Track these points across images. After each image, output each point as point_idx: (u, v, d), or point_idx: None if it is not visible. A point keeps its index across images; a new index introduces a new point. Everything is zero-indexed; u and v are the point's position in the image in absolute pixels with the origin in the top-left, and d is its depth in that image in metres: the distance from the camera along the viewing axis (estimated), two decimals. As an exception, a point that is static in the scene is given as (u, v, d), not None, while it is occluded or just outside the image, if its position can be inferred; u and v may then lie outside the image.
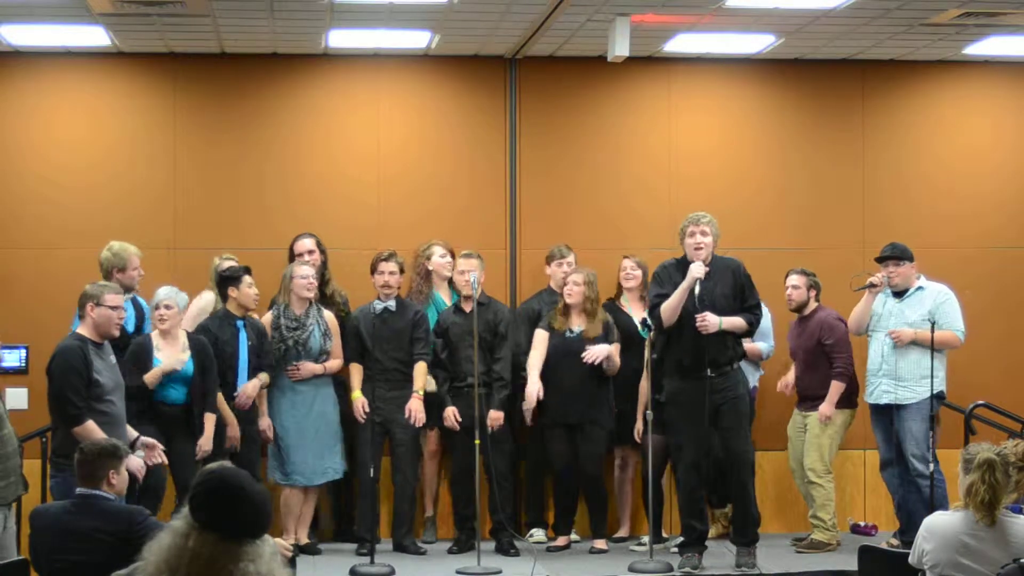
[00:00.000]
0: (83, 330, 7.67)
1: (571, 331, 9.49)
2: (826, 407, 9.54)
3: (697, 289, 8.62)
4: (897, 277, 9.40)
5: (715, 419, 8.72)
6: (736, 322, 8.72)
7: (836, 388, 9.55)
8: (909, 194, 10.85)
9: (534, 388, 9.40)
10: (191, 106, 10.37)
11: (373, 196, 10.46)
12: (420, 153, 10.57)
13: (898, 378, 9.25)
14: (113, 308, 7.65)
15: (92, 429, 7.35)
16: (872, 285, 9.47)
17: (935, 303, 9.28)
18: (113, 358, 7.82)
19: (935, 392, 9.19)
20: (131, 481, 7.29)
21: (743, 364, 9.15)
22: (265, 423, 9.32)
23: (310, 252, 9.75)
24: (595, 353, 9.34)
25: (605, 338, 9.46)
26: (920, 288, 9.40)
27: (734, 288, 8.77)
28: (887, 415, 9.36)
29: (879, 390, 9.38)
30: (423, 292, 9.94)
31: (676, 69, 10.67)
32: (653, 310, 8.78)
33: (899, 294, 9.41)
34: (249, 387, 9.04)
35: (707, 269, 8.65)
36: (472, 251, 9.72)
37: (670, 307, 8.64)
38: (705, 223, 8.75)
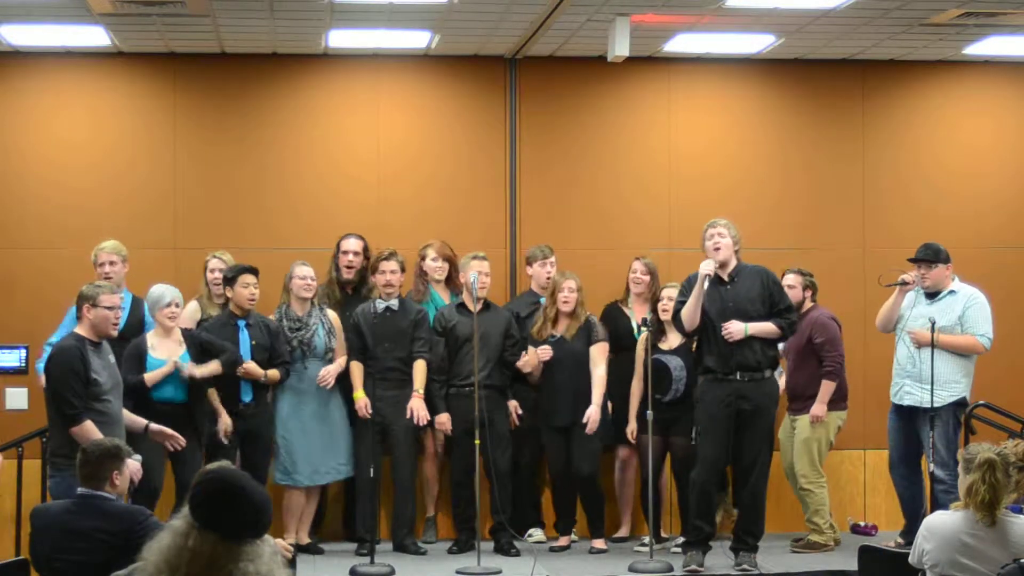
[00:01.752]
0: (81, 330, 7.67)
1: (553, 335, 9.48)
2: (818, 407, 9.50)
3: (706, 285, 8.65)
4: (928, 280, 9.24)
5: (737, 426, 8.71)
6: (765, 327, 8.72)
7: (827, 387, 9.50)
8: (909, 194, 10.85)
9: (547, 353, 9.44)
10: (191, 106, 10.37)
11: (373, 196, 10.46)
12: (420, 153, 10.57)
13: (922, 380, 9.16)
14: (109, 308, 7.66)
15: (90, 429, 7.35)
16: (904, 283, 9.33)
17: (964, 307, 9.16)
18: (112, 357, 7.82)
19: (957, 399, 9.09)
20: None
21: None
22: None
23: (356, 254, 9.77)
24: (593, 416, 9.34)
25: (587, 340, 9.45)
26: (952, 292, 9.26)
27: (762, 293, 8.78)
28: (907, 416, 9.30)
29: (903, 391, 9.30)
30: (420, 291, 9.95)
31: (676, 69, 10.67)
32: (675, 316, 8.84)
33: (931, 296, 9.30)
34: (251, 367, 9.00)
35: (716, 266, 8.69)
36: (480, 253, 9.70)
37: (688, 311, 8.69)
38: (722, 225, 8.83)
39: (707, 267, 8.67)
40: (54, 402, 7.56)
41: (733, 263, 8.82)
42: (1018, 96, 10.99)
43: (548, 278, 9.78)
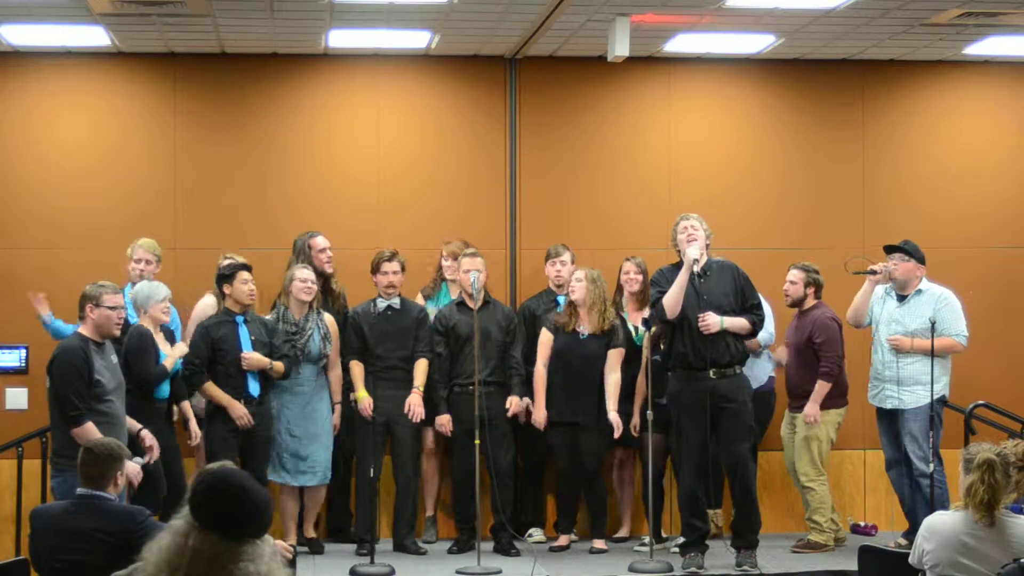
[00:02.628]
0: (84, 330, 7.67)
1: (581, 332, 9.49)
2: (811, 407, 9.49)
3: (696, 268, 8.67)
4: (898, 270, 9.29)
5: (715, 424, 8.74)
6: (739, 322, 8.77)
7: (821, 388, 9.49)
8: (909, 194, 10.85)
9: (542, 416, 9.46)
10: (191, 106, 10.37)
11: (373, 196, 10.46)
12: (420, 153, 10.57)
13: (901, 382, 9.20)
14: (112, 308, 7.67)
15: (91, 430, 7.35)
16: (873, 272, 9.39)
17: (935, 308, 9.19)
18: (115, 357, 7.82)
19: (938, 396, 9.15)
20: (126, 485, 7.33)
21: (755, 359, 9.35)
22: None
23: (330, 248, 9.78)
24: (615, 419, 9.35)
25: (610, 340, 9.46)
26: (919, 292, 9.32)
27: (734, 288, 8.84)
28: (891, 418, 9.33)
29: (883, 395, 9.34)
30: (431, 286, 9.96)
31: (676, 69, 10.67)
32: (655, 304, 8.83)
33: (901, 297, 9.35)
34: (255, 356, 9.01)
35: (701, 251, 8.73)
36: (475, 249, 9.71)
37: (671, 297, 8.70)
38: (694, 219, 8.90)
39: (694, 252, 8.71)
40: (57, 402, 7.56)
41: (705, 257, 8.85)
42: (1018, 96, 10.99)
43: (558, 275, 9.81)
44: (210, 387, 8.95)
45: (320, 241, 9.80)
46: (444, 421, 9.51)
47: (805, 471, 9.56)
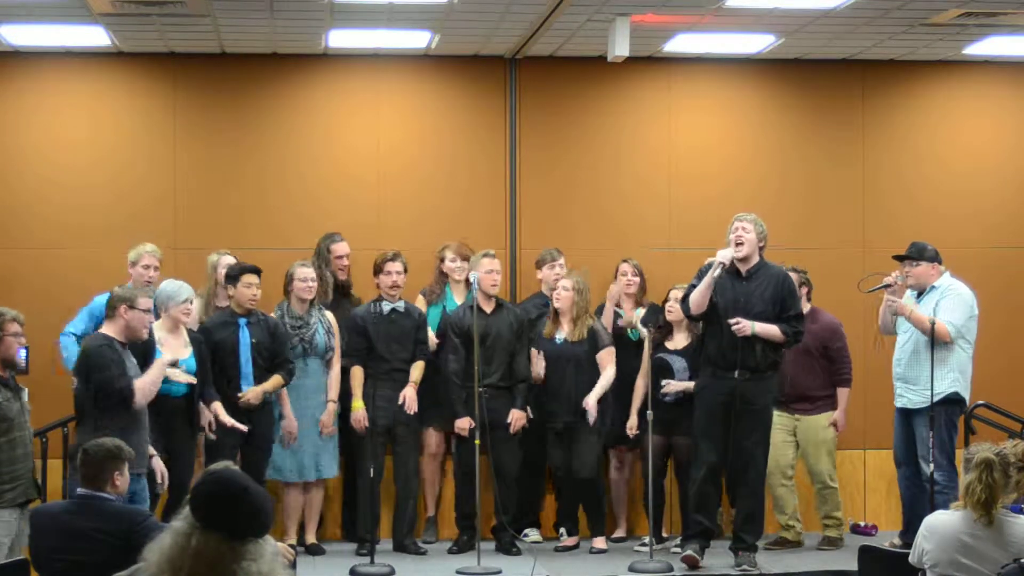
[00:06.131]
0: (109, 330, 7.71)
1: (558, 338, 9.49)
2: (841, 417, 9.63)
3: (718, 272, 8.63)
4: (912, 278, 9.23)
5: (736, 425, 8.72)
6: (771, 330, 8.71)
7: (845, 395, 9.61)
8: (909, 194, 10.85)
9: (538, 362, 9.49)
10: (191, 106, 10.38)
11: (373, 196, 10.47)
12: (420, 153, 10.57)
13: (908, 381, 9.17)
14: (145, 312, 7.73)
15: (139, 387, 7.66)
16: (887, 285, 9.30)
17: (938, 300, 9.14)
18: (134, 360, 7.83)
19: (948, 394, 9.02)
20: (151, 483, 7.42)
21: None
22: (291, 424, 9.29)
23: (348, 256, 9.78)
24: (591, 405, 9.31)
25: (593, 346, 9.44)
26: (935, 287, 9.22)
27: (775, 296, 8.78)
28: (903, 417, 9.30)
29: (896, 392, 9.32)
30: (436, 292, 9.93)
31: (676, 69, 10.68)
32: (685, 299, 8.85)
33: (920, 294, 9.28)
34: (250, 393, 8.95)
35: (733, 256, 8.71)
36: (488, 250, 9.71)
37: (697, 294, 8.71)
38: (748, 220, 8.84)
39: (724, 255, 8.70)
40: (103, 393, 7.59)
41: (755, 260, 8.83)
42: (1018, 96, 11.00)
43: (557, 279, 9.81)
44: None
45: (339, 247, 9.78)
46: (464, 425, 9.41)
47: (829, 472, 9.66)
